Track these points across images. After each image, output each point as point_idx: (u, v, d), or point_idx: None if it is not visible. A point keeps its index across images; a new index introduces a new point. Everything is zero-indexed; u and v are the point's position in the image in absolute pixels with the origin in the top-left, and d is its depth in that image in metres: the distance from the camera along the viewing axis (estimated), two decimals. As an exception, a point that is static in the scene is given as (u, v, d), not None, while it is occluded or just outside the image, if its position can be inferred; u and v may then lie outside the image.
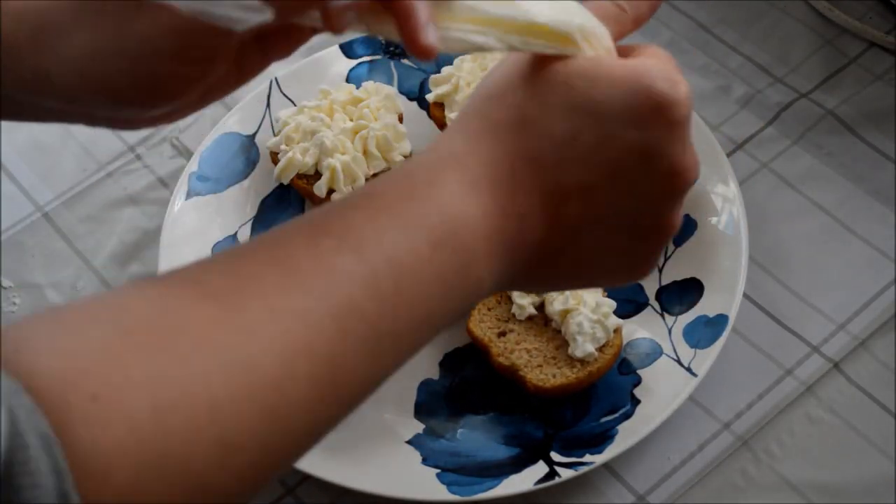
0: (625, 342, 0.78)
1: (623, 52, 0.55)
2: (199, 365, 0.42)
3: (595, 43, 0.53)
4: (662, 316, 0.80)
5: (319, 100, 0.87)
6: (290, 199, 0.87)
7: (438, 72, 0.89)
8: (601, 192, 0.51)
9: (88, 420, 0.39)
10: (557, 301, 0.77)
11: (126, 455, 0.40)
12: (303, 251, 0.46)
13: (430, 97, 0.88)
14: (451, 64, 0.88)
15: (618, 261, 0.54)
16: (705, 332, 0.78)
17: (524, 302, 0.78)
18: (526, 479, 0.73)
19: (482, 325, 0.78)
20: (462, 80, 0.86)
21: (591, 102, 0.50)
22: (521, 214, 0.50)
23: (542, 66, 0.52)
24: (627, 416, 0.75)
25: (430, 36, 0.47)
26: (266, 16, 0.45)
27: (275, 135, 0.88)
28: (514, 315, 0.79)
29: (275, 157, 0.86)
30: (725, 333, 0.77)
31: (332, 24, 0.47)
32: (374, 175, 0.85)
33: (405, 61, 0.93)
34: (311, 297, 0.45)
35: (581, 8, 0.53)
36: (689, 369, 0.76)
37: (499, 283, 0.51)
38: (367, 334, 0.46)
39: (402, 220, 0.48)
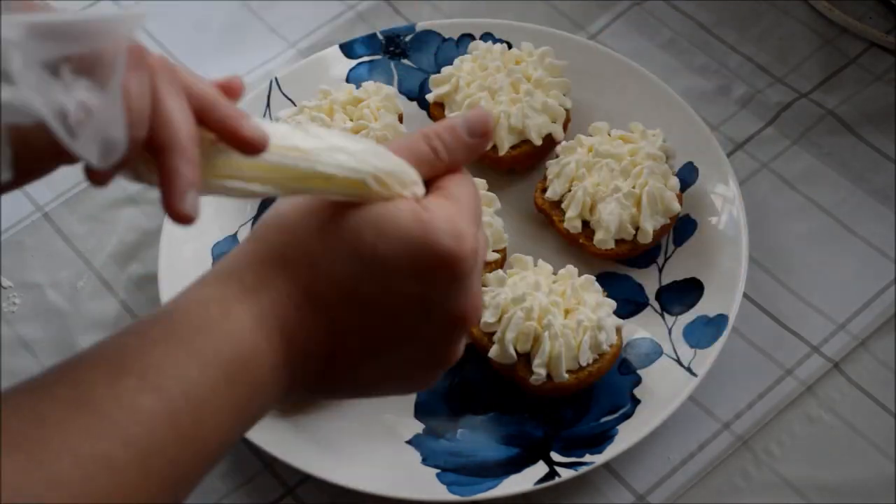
0: (625, 342, 0.78)
1: (432, 188, 0.57)
2: None
3: (392, 185, 0.54)
4: (662, 316, 0.80)
5: (319, 100, 0.87)
6: (290, 199, 0.87)
7: (438, 72, 0.89)
8: (380, 334, 0.55)
9: None
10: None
11: None
12: (105, 392, 0.47)
13: (430, 97, 0.88)
14: (450, 64, 0.88)
15: (398, 383, 0.59)
16: (705, 332, 0.78)
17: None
18: (526, 479, 0.73)
19: (482, 324, 0.78)
20: (462, 80, 0.86)
21: (375, 254, 0.53)
22: (305, 349, 0.53)
23: (335, 208, 0.54)
24: (627, 416, 0.75)
25: (187, 205, 0.49)
26: (7, 176, 0.46)
27: (275, 135, 0.88)
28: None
29: (275, 157, 0.86)
30: (725, 333, 0.77)
31: (96, 180, 0.48)
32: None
33: (405, 61, 0.93)
34: (115, 442, 0.46)
35: (383, 150, 0.55)
36: (689, 369, 0.76)
37: (286, 400, 0.55)
38: (168, 471, 0.48)
39: (199, 356, 0.50)
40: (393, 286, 0.53)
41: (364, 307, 0.54)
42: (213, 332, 0.51)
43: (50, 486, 0.45)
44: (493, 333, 0.77)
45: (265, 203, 0.87)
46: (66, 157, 0.48)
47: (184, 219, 0.49)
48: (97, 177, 0.48)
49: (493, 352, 0.76)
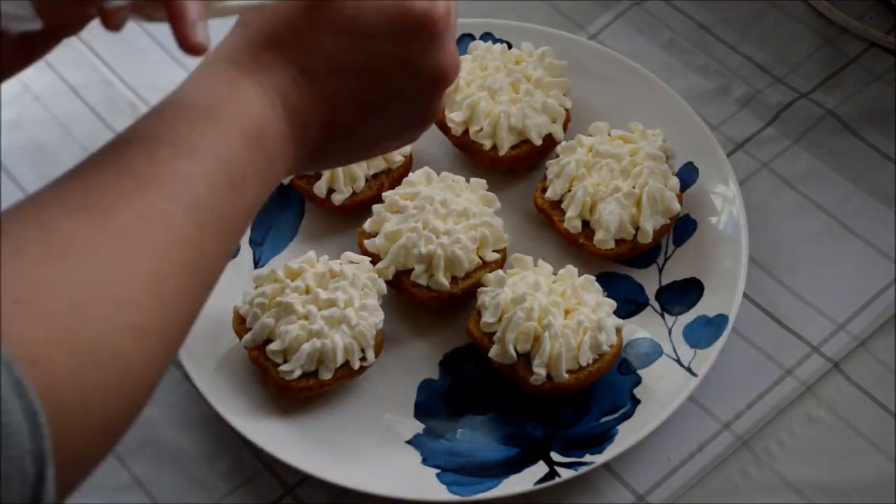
0: (625, 342, 0.78)
1: None
2: (95, 266, 0.48)
3: None
4: (662, 316, 0.80)
5: (319, 100, 0.87)
6: (290, 199, 0.87)
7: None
8: (369, 98, 0.59)
9: (12, 319, 0.44)
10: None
11: (59, 344, 0.45)
12: (145, 161, 0.52)
13: (430, 97, 0.88)
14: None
15: (388, 142, 0.63)
16: (705, 332, 0.78)
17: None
18: (526, 479, 0.73)
19: (482, 324, 0.78)
20: (462, 80, 0.86)
21: (357, 24, 0.57)
22: (306, 120, 0.57)
23: None
24: (627, 416, 0.75)
25: (199, 36, 0.52)
26: (37, 25, 0.52)
27: (275, 135, 0.88)
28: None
29: (275, 157, 0.86)
30: (725, 333, 0.77)
31: (109, 24, 0.52)
32: (374, 175, 0.85)
33: (405, 61, 0.93)
34: (165, 198, 0.51)
35: None
36: (689, 369, 0.76)
37: (295, 168, 0.59)
38: (216, 225, 0.53)
39: (221, 128, 0.54)
40: (376, 52, 0.58)
41: (352, 75, 0.58)
42: (228, 106, 0.55)
43: (119, 235, 0.49)
44: (493, 333, 0.77)
45: (265, 202, 0.87)
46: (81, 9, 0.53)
47: (198, 49, 0.52)
48: (110, 20, 0.52)
49: (494, 352, 0.76)
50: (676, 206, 0.81)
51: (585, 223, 0.82)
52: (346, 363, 0.76)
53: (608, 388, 0.77)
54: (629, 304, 0.80)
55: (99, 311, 0.47)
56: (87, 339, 0.46)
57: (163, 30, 1.03)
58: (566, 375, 0.75)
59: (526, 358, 0.75)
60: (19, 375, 0.43)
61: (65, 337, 0.46)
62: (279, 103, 0.56)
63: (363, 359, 0.76)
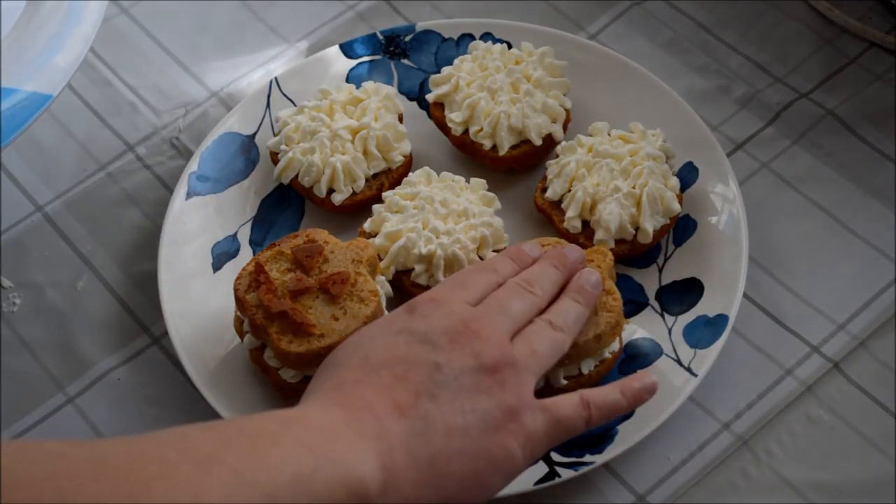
0: (625, 342, 0.78)
1: None
2: None
3: None
4: (662, 316, 0.80)
5: (319, 100, 0.87)
6: (290, 199, 0.87)
7: (438, 72, 0.89)
8: (414, 378, 0.62)
9: None
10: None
11: None
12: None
13: (430, 97, 0.88)
14: (450, 64, 0.88)
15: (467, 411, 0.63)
16: (705, 332, 0.78)
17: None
18: (526, 479, 0.73)
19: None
20: (462, 80, 0.86)
21: (362, 334, 0.67)
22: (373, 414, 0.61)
23: None
24: (627, 416, 0.75)
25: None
26: None
27: (275, 135, 0.88)
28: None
29: (275, 157, 0.86)
30: (725, 333, 0.77)
31: None
32: (374, 175, 0.85)
33: (405, 61, 0.93)
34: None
35: None
36: (689, 369, 0.76)
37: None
38: None
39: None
40: (384, 340, 0.65)
41: (385, 365, 0.63)
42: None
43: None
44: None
45: (265, 203, 0.87)
46: None
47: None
48: None
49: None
50: (676, 207, 0.81)
51: (585, 223, 0.82)
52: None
53: (608, 388, 0.77)
54: (629, 304, 0.80)
55: None
56: None
57: (163, 30, 1.03)
58: (564, 381, 0.74)
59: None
60: None
61: None
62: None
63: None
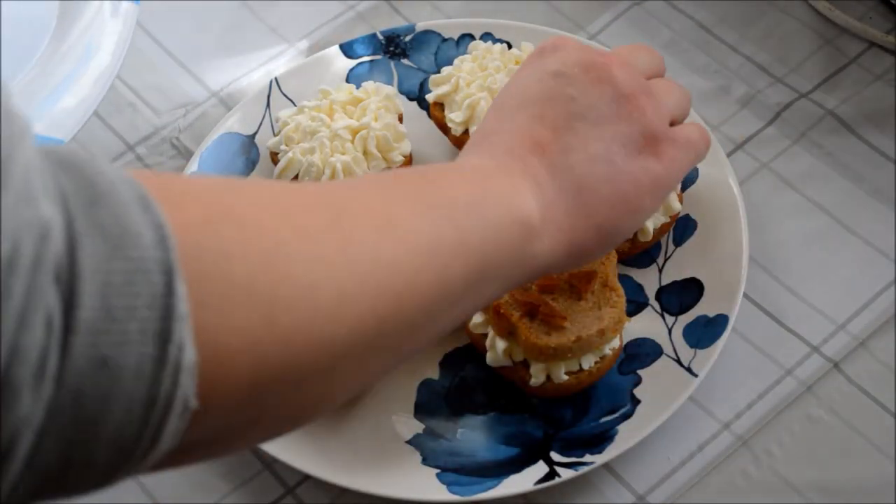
0: (625, 342, 0.78)
1: None
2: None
3: None
4: (662, 316, 0.80)
5: (319, 100, 0.87)
6: (290, 199, 0.87)
7: (438, 72, 0.89)
8: (551, 113, 0.64)
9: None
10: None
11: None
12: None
13: (430, 97, 0.88)
14: (450, 64, 0.88)
15: (608, 150, 0.64)
16: (705, 332, 0.78)
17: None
18: (526, 479, 0.73)
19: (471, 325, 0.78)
20: (462, 80, 0.86)
21: (502, 88, 0.68)
22: (532, 172, 0.62)
23: None
24: (627, 416, 0.75)
25: None
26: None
27: (275, 135, 0.88)
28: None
29: (275, 157, 0.86)
30: (725, 333, 0.77)
31: None
32: (374, 175, 0.85)
33: (405, 61, 0.93)
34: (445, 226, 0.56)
35: None
36: (689, 369, 0.76)
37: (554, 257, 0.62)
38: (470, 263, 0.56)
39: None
40: (519, 84, 0.66)
41: (530, 104, 0.64)
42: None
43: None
44: (485, 334, 0.77)
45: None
46: None
47: None
48: None
49: (490, 358, 0.76)
50: (677, 205, 0.81)
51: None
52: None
53: (608, 388, 0.77)
54: (629, 304, 0.80)
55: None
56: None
57: (163, 30, 1.03)
58: (565, 377, 0.75)
59: (525, 360, 0.75)
60: (146, 196, 0.42)
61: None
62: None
63: (365, 360, 0.77)
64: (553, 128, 0.63)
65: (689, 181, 0.84)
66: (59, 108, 0.80)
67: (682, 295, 0.80)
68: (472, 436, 0.76)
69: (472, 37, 0.92)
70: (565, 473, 0.73)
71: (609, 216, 0.63)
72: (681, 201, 0.82)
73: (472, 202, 0.57)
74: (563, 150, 0.62)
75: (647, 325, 0.80)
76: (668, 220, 0.81)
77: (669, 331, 0.79)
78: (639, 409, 0.75)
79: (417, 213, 0.55)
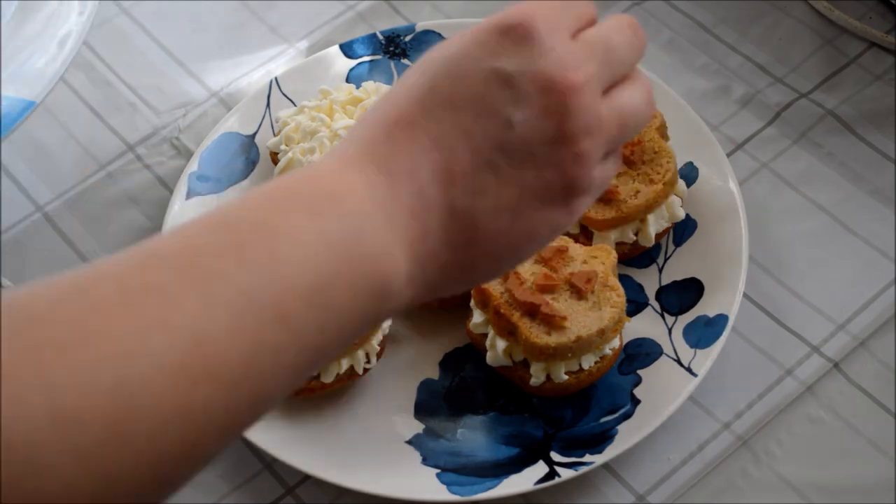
0: (625, 342, 0.78)
1: None
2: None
3: None
4: (662, 316, 0.80)
5: (319, 100, 0.87)
6: (290, 199, 0.87)
7: (438, 72, 0.89)
8: (480, 133, 0.52)
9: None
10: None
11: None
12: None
13: (430, 97, 0.88)
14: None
15: (526, 197, 0.54)
16: (705, 332, 0.78)
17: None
18: (526, 479, 0.73)
19: (472, 325, 0.78)
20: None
21: (442, 53, 0.53)
22: (417, 189, 0.52)
23: None
24: (627, 416, 0.75)
25: None
26: None
27: (275, 135, 0.88)
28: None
29: (275, 157, 0.86)
30: (725, 333, 0.77)
31: None
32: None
33: (405, 61, 0.93)
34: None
35: None
36: (689, 369, 0.76)
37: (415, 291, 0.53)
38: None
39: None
40: (465, 72, 0.52)
41: (447, 106, 0.52)
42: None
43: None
44: (485, 335, 0.77)
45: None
46: None
47: None
48: None
49: (490, 358, 0.76)
50: (681, 213, 0.81)
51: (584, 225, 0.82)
52: (350, 366, 0.76)
53: (608, 388, 0.77)
54: (629, 304, 0.80)
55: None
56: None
57: (163, 30, 1.03)
58: (565, 376, 0.75)
59: (525, 359, 0.75)
60: None
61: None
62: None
63: (367, 362, 0.77)
64: (473, 153, 0.52)
65: (689, 181, 0.84)
66: (27, 68, 0.79)
67: (682, 295, 0.80)
68: (472, 436, 0.76)
69: (472, 37, 0.92)
70: (565, 473, 0.73)
71: (489, 270, 0.55)
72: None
73: (318, 285, 0.48)
74: (473, 192, 0.52)
75: (647, 325, 0.80)
76: (670, 224, 0.81)
77: (669, 331, 0.79)
78: (639, 408, 0.75)
79: (237, 317, 0.46)
